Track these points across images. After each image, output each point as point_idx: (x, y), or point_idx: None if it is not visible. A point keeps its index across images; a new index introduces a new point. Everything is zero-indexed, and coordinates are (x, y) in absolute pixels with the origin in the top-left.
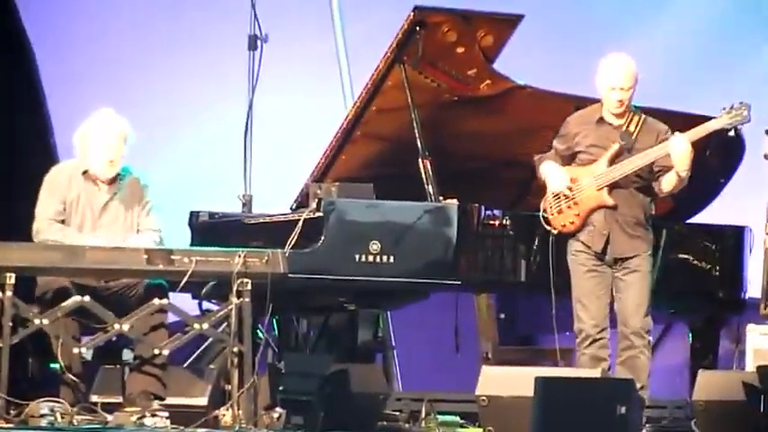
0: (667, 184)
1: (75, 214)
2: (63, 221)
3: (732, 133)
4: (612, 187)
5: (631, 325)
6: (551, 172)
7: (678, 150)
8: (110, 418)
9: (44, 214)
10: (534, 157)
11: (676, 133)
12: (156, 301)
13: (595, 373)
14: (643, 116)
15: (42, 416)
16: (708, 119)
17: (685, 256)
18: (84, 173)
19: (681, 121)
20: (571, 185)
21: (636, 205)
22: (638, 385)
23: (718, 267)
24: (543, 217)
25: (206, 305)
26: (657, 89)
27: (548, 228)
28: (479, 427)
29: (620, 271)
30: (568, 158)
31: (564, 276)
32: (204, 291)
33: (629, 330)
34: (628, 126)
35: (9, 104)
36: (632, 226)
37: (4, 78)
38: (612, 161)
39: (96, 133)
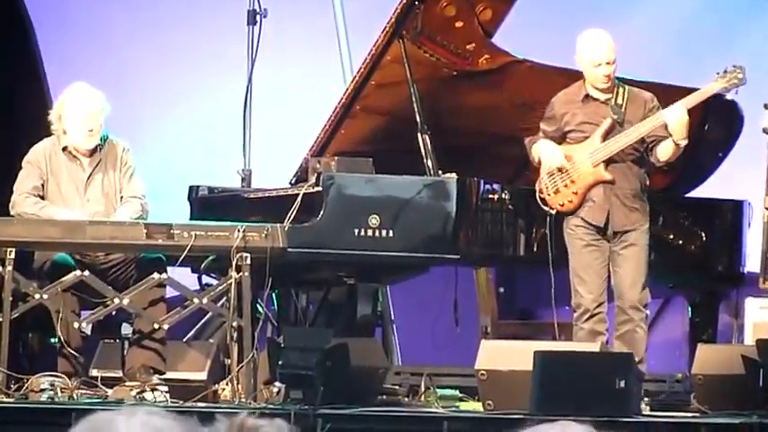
0: (663, 153)
1: (59, 193)
2: (42, 198)
3: (729, 96)
4: (608, 162)
5: (629, 299)
6: (545, 150)
7: (674, 119)
8: (110, 392)
9: (20, 189)
10: (525, 141)
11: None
12: (156, 275)
13: (594, 347)
14: (626, 87)
15: (42, 390)
16: (691, 90)
17: (684, 231)
18: (64, 149)
19: (671, 95)
20: (565, 162)
21: (632, 177)
22: (636, 359)
23: (716, 242)
24: (540, 198)
25: (205, 279)
26: (656, 64)
27: (545, 208)
28: (479, 400)
29: (617, 245)
30: (558, 139)
31: (562, 251)
32: (203, 265)
33: (626, 304)
34: (615, 100)
35: (9, 77)
36: (631, 198)
37: (5, 55)
38: (606, 136)
39: (73, 106)
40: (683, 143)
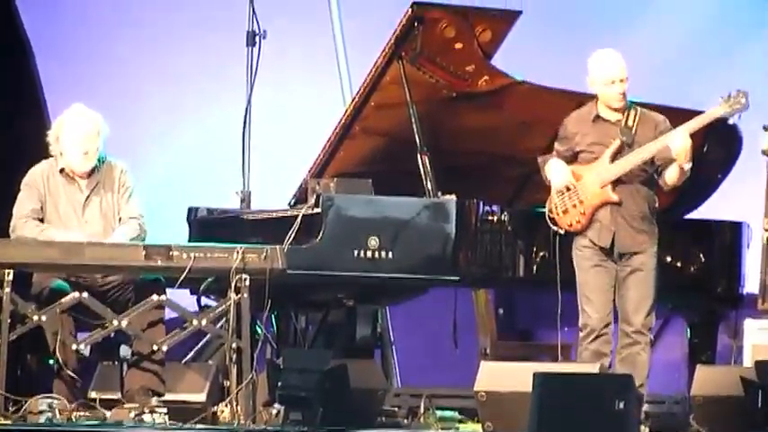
0: (670, 177)
1: (57, 214)
2: (41, 220)
3: (731, 121)
4: (616, 183)
5: (633, 323)
6: (554, 170)
7: (677, 144)
8: (108, 414)
9: (20, 212)
10: (538, 159)
11: (674, 130)
12: (155, 296)
13: (594, 368)
14: (639, 109)
15: (41, 412)
16: (700, 113)
17: (683, 252)
18: (61, 171)
19: (677, 117)
20: (572, 181)
21: (640, 199)
22: (638, 382)
23: (716, 262)
24: (549, 217)
25: (204, 301)
26: (653, 85)
27: (554, 228)
28: (478, 422)
29: (623, 268)
30: (570, 159)
31: (565, 272)
32: (203, 287)
33: (630, 328)
34: (626, 121)
35: (10, 105)
36: (638, 220)
37: (5, 79)
38: (614, 157)
39: (69, 128)
40: (688, 166)
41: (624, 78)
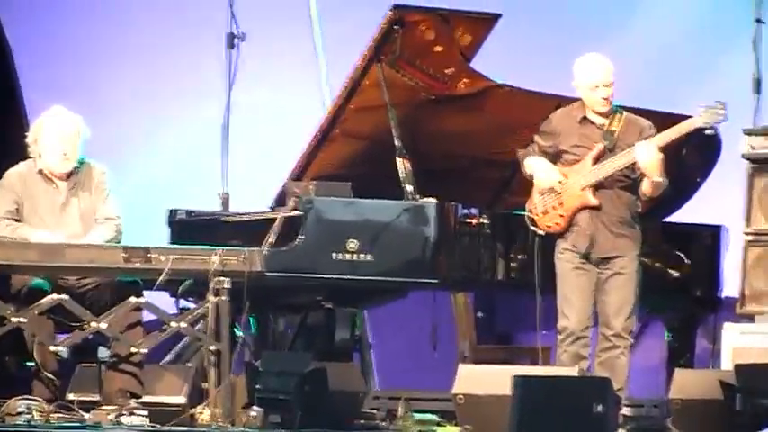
0: (645, 188)
1: (35, 216)
2: (18, 221)
3: (709, 132)
4: (597, 187)
5: (613, 326)
6: (539, 169)
7: (642, 159)
8: (87, 416)
9: None
10: (518, 152)
11: (646, 139)
12: (133, 298)
13: (572, 371)
14: (625, 114)
15: (19, 414)
16: (687, 118)
17: (662, 256)
18: (40, 172)
19: (661, 121)
20: (560, 181)
21: (621, 204)
22: (617, 386)
23: (694, 266)
24: (529, 218)
25: (183, 303)
26: (636, 89)
27: (533, 228)
28: (456, 425)
29: (604, 272)
30: (552, 157)
31: (544, 275)
32: (181, 289)
33: (610, 332)
34: (610, 125)
35: None
36: (617, 225)
37: None
38: (596, 161)
39: (49, 129)
40: (659, 180)
41: (609, 83)
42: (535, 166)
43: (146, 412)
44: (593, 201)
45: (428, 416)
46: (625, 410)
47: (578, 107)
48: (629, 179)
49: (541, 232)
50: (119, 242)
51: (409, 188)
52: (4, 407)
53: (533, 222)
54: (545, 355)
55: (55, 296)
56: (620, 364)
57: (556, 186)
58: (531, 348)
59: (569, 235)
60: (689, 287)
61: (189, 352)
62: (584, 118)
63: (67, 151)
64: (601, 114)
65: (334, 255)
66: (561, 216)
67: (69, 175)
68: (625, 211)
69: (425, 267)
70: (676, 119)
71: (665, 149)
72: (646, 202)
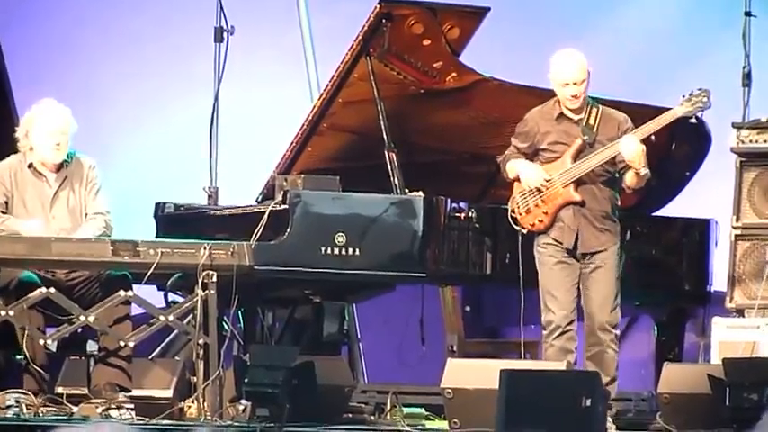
0: (629, 180)
1: (24, 209)
2: (5, 214)
3: (694, 120)
4: (578, 183)
5: (598, 320)
6: (525, 168)
7: (627, 150)
8: (75, 409)
9: None
10: (498, 159)
11: (626, 131)
12: (122, 292)
13: (560, 365)
14: (601, 108)
15: (8, 407)
16: (665, 110)
17: (651, 250)
18: (30, 166)
19: (644, 114)
20: (546, 179)
21: (603, 199)
22: (607, 379)
23: (683, 260)
24: (511, 217)
25: (171, 297)
26: (623, 82)
27: (516, 227)
28: (445, 419)
29: (587, 266)
30: (530, 156)
31: (530, 270)
32: (170, 282)
33: (595, 326)
34: (587, 120)
35: None
36: (600, 220)
37: None
38: (576, 157)
39: (41, 121)
40: (644, 171)
41: (579, 81)
42: (519, 166)
43: (133, 406)
44: (577, 197)
45: (416, 410)
46: (613, 404)
47: (554, 104)
48: (609, 173)
49: (525, 231)
50: (108, 236)
51: (397, 182)
52: None
53: (516, 222)
54: (532, 350)
55: (44, 290)
56: (609, 357)
57: (543, 185)
58: (518, 342)
59: (553, 231)
60: (678, 281)
61: (177, 346)
62: (561, 114)
63: (60, 142)
64: (573, 111)
65: (322, 249)
66: (545, 213)
67: (59, 169)
68: (606, 205)
69: (413, 261)
70: (660, 112)
71: (649, 141)
72: (628, 195)
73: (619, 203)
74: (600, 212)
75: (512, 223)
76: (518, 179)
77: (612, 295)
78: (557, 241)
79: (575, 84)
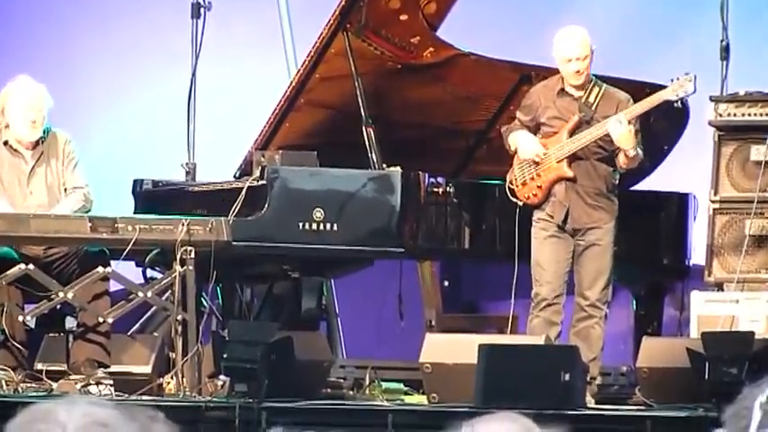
0: (621, 160)
1: (1, 186)
2: None
3: (678, 105)
4: (572, 159)
5: (588, 296)
6: (523, 140)
7: (614, 132)
8: (54, 385)
9: None
10: (501, 129)
11: (615, 115)
12: (101, 268)
13: (539, 340)
14: (604, 86)
15: None
16: (660, 87)
17: (629, 224)
18: (5, 143)
19: (635, 89)
20: (542, 152)
21: (597, 176)
22: (591, 356)
23: (661, 234)
24: (509, 188)
25: (150, 273)
26: (607, 58)
27: (513, 199)
28: (423, 394)
29: (580, 242)
30: (533, 130)
31: (512, 244)
32: (148, 259)
33: (585, 302)
34: (587, 97)
35: None
36: (593, 197)
37: None
38: (572, 133)
39: (17, 98)
40: (632, 153)
41: (582, 57)
42: (518, 138)
43: (112, 382)
44: (569, 172)
45: (395, 385)
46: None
47: (557, 80)
48: (606, 151)
49: (520, 203)
50: (88, 210)
51: (375, 157)
52: None
53: (513, 194)
54: (512, 324)
55: (22, 266)
56: (595, 335)
57: (538, 157)
58: (497, 317)
59: (547, 206)
60: (657, 255)
61: (156, 322)
62: (562, 90)
63: (36, 119)
64: (576, 87)
65: (300, 224)
66: (539, 187)
67: (35, 145)
68: (601, 182)
69: (391, 236)
70: (651, 87)
71: (636, 121)
72: (623, 175)
73: (616, 182)
74: (593, 189)
75: (509, 194)
76: (517, 152)
77: (605, 273)
78: (550, 216)
79: (578, 59)
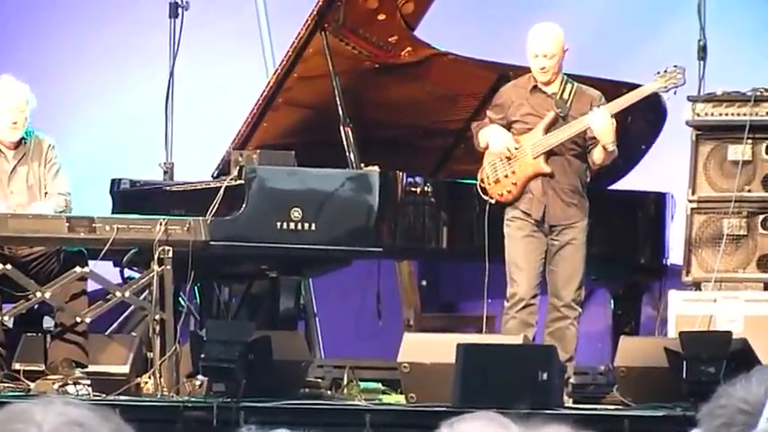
0: (597, 156)
1: None
2: None
3: (667, 96)
4: (548, 155)
5: (563, 297)
6: (493, 134)
7: (597, 124)
8: (32, 385)
9: None
10: (472, 125)
11: (598, 108)
12: (78, 268)
13: (517, 339)
14: (576, 84)
15: None
16: (636, 86)
17: (607, 223)
18: None
19: (615, 90)
20: (514, 146)
21: (572, 173)
22: (566, 356)
23: (639, 234)
24: (480, 186)
25: (127, 273)
26: (578, 57)
27: (485, 197)
28: (401, 393)
29: (554, 242)
30: (504, 128)
31: (490, 243)
32: (125, 258)
33: (560, 303)
34: (561, 94)
35: None
36: (568, 194)
37: None
38: (548, 129)
39: None
40: (612, 147)
41: (549, 54)
42: (489, 133)
43: (90, 382)
44: (547, 168)
45: (373, 384)
46: (572, 379)
47: (528, 78)
48: (580, 148)
49: (492, 201)
50: None
51: (353, 157)
52: None
53: (485, 191)
54: (489, 324)
55: (0, 266)
56: (570, 335)
57: (509, 150)
58: (474, 317)
59: (522, 203)
60: (634, 255)
61: (133, 321)
62: (535, 87)
63: (17, 120)
64: (543, 83)
65: (278, 224)
66: (514, 184)
67: (17, 146)
68: (575, 179)
69: (369, 236)
70: (629, 88)
71: (617, 117)
72: (595, 171)
73: (588, 179)
74: (568, 186)
75: (480, 193)
76: (488, 148)
77: (579, 273)
78: (525, 213)
79: (544, 56)
